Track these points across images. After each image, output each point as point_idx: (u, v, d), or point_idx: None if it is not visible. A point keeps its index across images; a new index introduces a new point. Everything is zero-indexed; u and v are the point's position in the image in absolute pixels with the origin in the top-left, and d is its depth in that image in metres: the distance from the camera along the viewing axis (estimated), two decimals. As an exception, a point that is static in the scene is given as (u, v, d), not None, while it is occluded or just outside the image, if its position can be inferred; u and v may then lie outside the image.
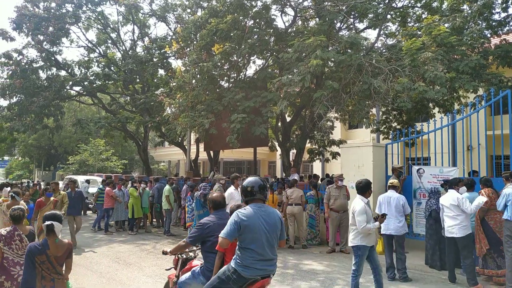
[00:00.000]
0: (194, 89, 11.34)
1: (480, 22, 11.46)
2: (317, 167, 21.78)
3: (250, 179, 3.46)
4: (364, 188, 5.16)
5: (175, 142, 17.89)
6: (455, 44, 9.50)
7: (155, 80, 18.41)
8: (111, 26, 19.67)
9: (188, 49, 13.61)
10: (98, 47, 20.01)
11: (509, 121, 7.39)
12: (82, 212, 12.72)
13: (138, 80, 18.66)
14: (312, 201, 9.49)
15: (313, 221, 9.46)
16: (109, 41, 19.80)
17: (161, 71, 18.48)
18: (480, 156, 10.45)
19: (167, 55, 16.73)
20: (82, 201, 10.14)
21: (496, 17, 11.97)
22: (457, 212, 5.82)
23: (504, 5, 12.14)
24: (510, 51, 10.68)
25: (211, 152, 17.13)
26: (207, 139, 12.86)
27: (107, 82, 18.77)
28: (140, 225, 11.98)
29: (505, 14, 12.04)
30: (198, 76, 11.53)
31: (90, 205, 16.20)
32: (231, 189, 7.93)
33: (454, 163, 10.68)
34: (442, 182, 6.88)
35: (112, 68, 19.52)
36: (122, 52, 19.78)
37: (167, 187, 11.48)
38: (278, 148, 15.24)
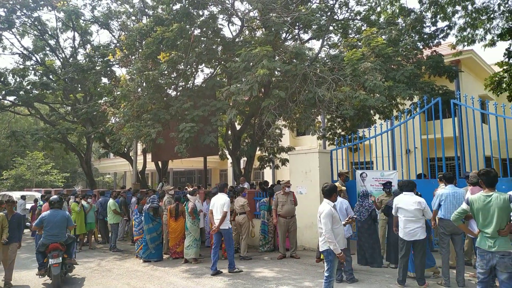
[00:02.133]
0: (139, 98, 11.03)
1: (413, 35, 12.36)
2: (267, 174, 22.05)
3: None
4: (330, 192, 5.15)
5: (120, 153, 17.21)
6: (391, 55, 10.16)
7: (98, 89, 17.62)
8: (50, 32, 18.60)
9: (133, 57, 13.24)
10: (35, 55, 18.79)
11: (440, 125, 8.02)
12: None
13: (79, 89, 17.77)
14: (264, 208, 9.55)
15: (265, 228, 9.52)
16: (47, 48, 18.66)
17: (105, 80, 17.75)
18: (417, 159, 11.19)
19: (111, 63, 16.11)
20: (19, 227, 7.30)
21: (427, 30, 13.01)
22: (420, 216, 5.87)
23: (433, 19, 13.23)
24: (440, 62, 11.65)
25: (159, 163, 16.68)
26: (154, 149, 12.53)
27: (45, 91, 17.63)
28: (84, 241, 11.32)
29: (435, 27, 13.12)
30: (144, 84, 11.24)
31: (27, 223, 15.02)
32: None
33: (394, 166, 11.34)
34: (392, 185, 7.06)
35: (51, 76, 18.40)
36: (61, 60, 18.73)
37: (111, 200, 11.00)
38: (228, 156, 15.22)
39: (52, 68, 18.34)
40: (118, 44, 16.47)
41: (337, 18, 12.99)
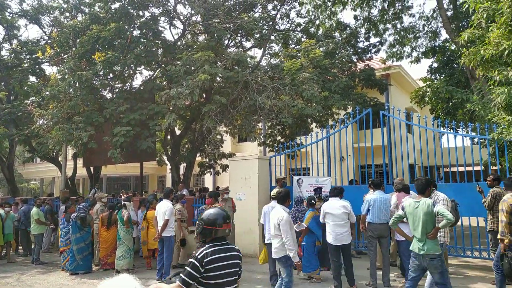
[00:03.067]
0: (71, 99, 10.33)
1: (348, 48, 13.12)
2: (208, 180, 21.82)
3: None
4: (284, 198, 5.24)
5: (48, 157, 15.98)
6: (328, 66, 10.67)
7: (25, 88, 16.25)
8: (-32, 23, 16.82)
9: (66, 55, 12.43)
10: (-51, 48, 16.86)
11: (371, 135, 8.53)
12: None
13: (3, 88, 16.25)
14: (202, 215, 9.40)
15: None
16: (-35, 41, 16.87)
17: (33, 78, 16.42)
18: (350, 166, 11.79)
19: (40, 60, 14.96)
20: None
21: (361, 45, 13.89)
22: (346, 220, 6.09)
23: (367, 35, 14.18)
24: (372, 75, 12.47)
25: (91, 168, 15.76)
26: (86, 154, 11.83)
27: (-39, 88, 15.90)
28: (1, 254, 10.27)
29: (368, 43, 14.06)
30: (77, 85, 10.57)
31: None
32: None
33: (329, 172, 11.82)
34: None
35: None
36: (-18, 55, 17.00)
37: (34, 209, 10.08)
38: (167, 162, 14.82)
39: (-29, 64, 16.57)
40: (49, 41, 15.36)
41: (278, 28, 13.35)
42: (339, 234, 6.06)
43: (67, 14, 15.50)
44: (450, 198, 6.65)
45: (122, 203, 8.77)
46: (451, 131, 7.85)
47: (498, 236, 5.04)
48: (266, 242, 6.49)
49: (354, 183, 9.75)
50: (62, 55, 12.64)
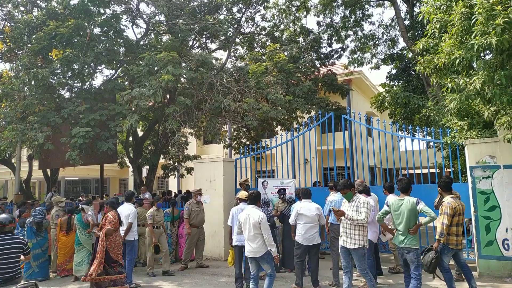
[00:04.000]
0: (25, 97, 9.82)
1: (312, 53, 13.39)
2: (172, 183, 21.47)
3: None
4: (256, 198, 5.54)
5: (0, 159, 15.07)
6: (292, 70, 10.84)
7: (-27, 85, 15.25)
8: None
9: (20, 52, 11.79)
10: None
11: (333, 138, 8.77)
12: None
13: None
14: (167, 218, 9.22)
15: (169, 240, 9.18)
16: None
17: (-17, 75, 15.42)
18: (314, 168, 12.04)
19: (-9, 56, 14.08)
20: None
21: (323, 50, 14.25)
22: (317, 221, 6.22)
23: (329, 41, 14.55)
24: (334, 80, 12.80)
25: (48, 171, 15.02)
26: (42, 155, 11.26)
27: None
28: None
29: (330, 48, 14.45)
30: (32, 83, 10.05)
31: None
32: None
33: (294, 175, 12.01)
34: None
35: None
36: None
37: (-15, 214, 9.49)
38: (129, 164, 14.42)
39: None
40: (1, 36, 14.49)
41: (243, 31, 13.40)
42: (311, 235, 6.17)
43: (22, 9, 14.66)
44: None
45: (80, 207, 8.43)
46: (409, 135, 8.22)
47: (436, 237, 5.23)
48: (234, 244, 6.47)
49: (318, 185, 9.96)
50: (16, 51, 11.98)
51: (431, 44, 6.81)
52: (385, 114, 15.23)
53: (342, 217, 5.34)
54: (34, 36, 10.91)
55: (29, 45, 11.26)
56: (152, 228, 7.93)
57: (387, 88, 12.11)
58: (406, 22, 13.24)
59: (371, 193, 6.87)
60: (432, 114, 8.71)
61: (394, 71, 14.86)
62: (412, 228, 4.97)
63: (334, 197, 6.80)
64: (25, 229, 8.12)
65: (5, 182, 26.30)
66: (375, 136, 14.68)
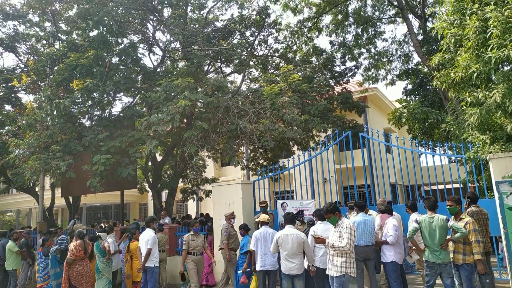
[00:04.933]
0: (48, 127, 10.12)
1: (325, 73, 13.45)
2: (191, 206, 21.49)
3: None
4: (292, 218, 5.92)
5: (24, 188, 15.45)
6: (307, 90, 10.88)
7: (0, 117, 15.85)
8: None
9: (43, 83, 12.26)
10: None
11: (351, 156, 8.66)
12: None
13: (-23, 117, 15.77)
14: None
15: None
16: None
17: (8, 107, 16.04)
18: (333, 187, 11.87)
19: (16, 89, 14.68)
20: None
21: (337, 69, 14.29)
22: None
23: (343, 59, 14.61)
24: (349, 98, 12.76)
25: (70, 198, 15.30)
26: (64, 183, 11.49)
27: None
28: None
29: (344, 67, 14.48)
30: (54, 113, 10.39)
31: None
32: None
33: (313, 194, 11.86)
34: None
35: None
36: (-46, 84, 16.54)
37: (10, 243, 9.65)
38: (148, 189, 14.55)
39: None
40: (25, 69, 15.13)
41: (257, 54, 13.60)
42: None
43: (44, 42, 15.38)
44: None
45: (97, 235, 8.46)
46: (429, 150, 8.06)
47: (479, 257, 5.02)
48: (258, 269, 6.28)
49: (338, 205, 9.77)
50: (39, 83, 12.47)
51: (447, 58, 6.76)
52: (403, 129, 15.02)
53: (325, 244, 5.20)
54: (56, 68, 11.34)
55: (51, 76, 11.70)
56: (187, 253, 7.57)
57: (404, 104, 12.00)
58: (420, 37, 13.19)
59: (394, 213, 6.68)
60: (452, 129, 8.54)
61: (410, 86, 14.71)
62: (444, 244, 5.20)
63: (356, 217, 6.62)
64: (49, 257, 8.20)
65: (29, 210, 26.91)
66: (395, 153, 14.45)
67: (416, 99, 13.88)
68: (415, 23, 14.30)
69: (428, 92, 13.64)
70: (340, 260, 4.95)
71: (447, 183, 9.01)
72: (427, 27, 12.95)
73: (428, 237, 5.31)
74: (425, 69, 13.20)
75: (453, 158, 7.90)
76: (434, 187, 11.37)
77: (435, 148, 8.17)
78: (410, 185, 8.10)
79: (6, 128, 15.76)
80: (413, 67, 14.99)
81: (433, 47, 12.09)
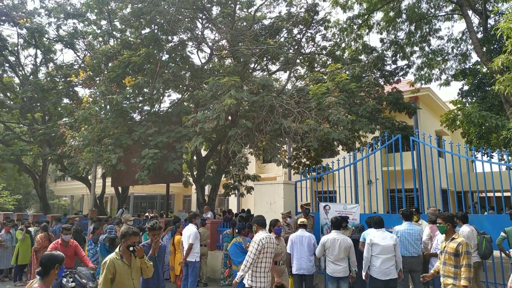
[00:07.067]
0: (101, 121, 10.67)
1: (375, 71, 12.96)
2: (232, 202, 21.79)
3: None
4: (339, 223, 5.98)
5: (78, 176, 16.45)
6: (354, 90, 10.55)
7: (59, 109, 16.95)
8: (9, 48, 17.83)
9: (97, 79, 12.93)
10: (-9, 71, 17.88)
11: (400, 159, 8.29)
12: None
13: (38, 109, 17.01)
14: (227, 239, 9.26)
15: (224, 259, 9.23)
16: (6, 65, 17.84)
17: (66, 100, 17.12)
18: (378, 190, 11.46)
19: (73, 83, 15.62)
20: None
21: (388, 68, 13.72)
22: (394, 253, 5.60)
23: (394, 58, 14.00)
24: (399, 98, 12.21)
25: (119, 188, 16.06)
26: (114, 174, 12.06)
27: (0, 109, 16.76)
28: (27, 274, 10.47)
29: (395, 66, 13.88)
30: (107, 108, 10.94)
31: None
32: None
33: (356, 196, 11.52)
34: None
35: (8, 94, 17.53)
36: (21, 78, 17.92)
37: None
38: (192, 183, 14.92)
39: (10, 86, 17.49)
40: (82, 65, 16.04)
41: (303, 51, 13.40)
42: (387, 268, 5.53)
43: (100, 39, 16.21)
44: (482, 230, 6.37)
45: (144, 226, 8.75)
46: (486, 158, 7.51)
47: (464, 283, 4.34)
48: (294, 272, 6.22)
49: (384, 212, 9.46)
50: (95, 78, 13.16)
51: (511, 60, 6.24)
52: (457, 132, 14.16)
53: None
54: (110, 65, 11.90)
55: (105, 72, 12.31)
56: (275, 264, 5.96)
57: (459, 106, 11.29)
58: (479, 35, 12.33)
59: (468, 226, 6.23)
60: (514, 136, 7.90)
61: (466, 87, 13.81)
62: None
63: (400, 227, 6.27)
64: (98, 245, 8.64)
65: (81, 196, 28.65)
66: (447, 157, 13.67)
67: (473, 101, 13.03)
68: (475, 20, 13.39)
69: (486, 93, 12.74)
70: None
71: (505, 191, 8.36)
72: (488, 25, 12.08)
73: None
74: (484, 69, 12.34)
75: (513, 167, 7.31)
76: (490, 194, 10.63)
77: (493, 154, 7.58)
78: (463, 191, 7.59)
79: (64, 119, 16.86)
80: (471, 67, 14.06)
81: (495, 46, 11.25)
